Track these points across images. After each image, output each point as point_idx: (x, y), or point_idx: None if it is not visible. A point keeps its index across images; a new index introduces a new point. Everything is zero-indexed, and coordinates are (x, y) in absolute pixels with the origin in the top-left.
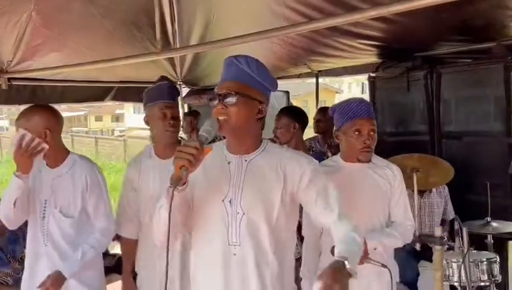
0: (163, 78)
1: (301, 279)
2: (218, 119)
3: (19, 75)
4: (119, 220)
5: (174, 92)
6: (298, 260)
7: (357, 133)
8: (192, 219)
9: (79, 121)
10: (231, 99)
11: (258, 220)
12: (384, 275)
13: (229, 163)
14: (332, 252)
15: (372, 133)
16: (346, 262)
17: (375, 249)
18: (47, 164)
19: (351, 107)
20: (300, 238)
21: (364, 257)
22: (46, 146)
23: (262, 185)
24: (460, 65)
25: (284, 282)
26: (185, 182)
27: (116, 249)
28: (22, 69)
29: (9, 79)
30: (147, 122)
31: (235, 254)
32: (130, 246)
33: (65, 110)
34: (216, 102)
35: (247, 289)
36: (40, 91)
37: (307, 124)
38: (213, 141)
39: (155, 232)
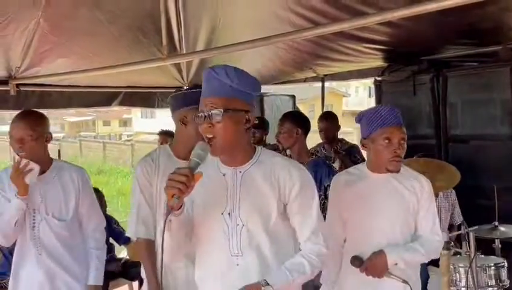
0: (191, 85)
1: (320, 285)
2: (207, 137)
3: (27, 81)
4: (133, 222)
5: (187, 98)
6: None
7: (387, 141)
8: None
9: (87, 125)
10: (217, 117)
11: (257, 230)
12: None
13: (224, 175)
14: (352, 263)
15: (402, 141)
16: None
17: (395, 264)
18: None
19: (380, 114)
20: None
21: (383, 271)
22: (37, 167)
23: (258, 196)
24: (466, 68)
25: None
26: (180, 207)
27: (122, 253)
28: (30, 75)
29: (17, 85)
30: (184, 122)
31: (237, 265)
32: (149, 246)
33: (73, 115)
34: (202, 120)
35: None
36: (47, 96)
37: (309, 129)
38: None
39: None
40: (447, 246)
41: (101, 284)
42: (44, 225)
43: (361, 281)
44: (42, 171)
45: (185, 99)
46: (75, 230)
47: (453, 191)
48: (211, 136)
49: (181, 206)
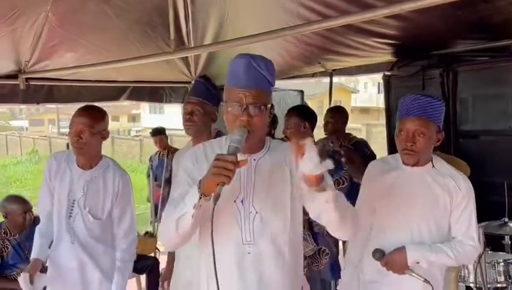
0: (203, 75)
1: (326, 278)
2: (242, 127)
3: (36, 75)
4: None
5: (201, 89)
6: (312, 257)
7: (402, 133)
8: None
9: None
10: (257, 111)
11: (270, 218)
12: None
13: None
14: (373, 255)
15: (417, 134)
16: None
17: (417, 262)
18: (79, 165)
19: (404, 104)
20: (312, 235)
21: (403, 268)
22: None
23: (272, 183)
24: (477, 63)
25: (297, 274)
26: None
27: None
28: (39, 69)
29: (27, 79)
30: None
31: (249, 253)
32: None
33: None
34: (237, 110)
35: (266, 286)
36: (56, 91)
37: (316, 123)
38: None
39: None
40: None
41: None
42: (79, 218)
43: (380, 270)
44: (90, 166)
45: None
46: (107, 230)
47: None
48: (248, 128)
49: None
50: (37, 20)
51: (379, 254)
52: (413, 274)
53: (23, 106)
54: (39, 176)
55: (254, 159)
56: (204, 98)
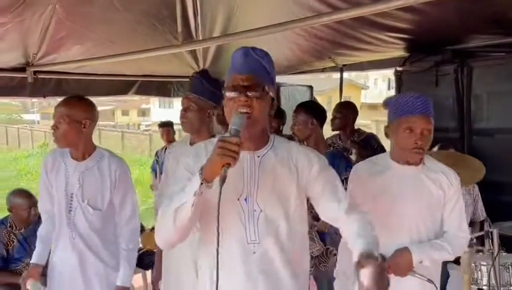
0: (200, 71)
1: (334, 279)
2: (241, 112)
3: (44, 68)
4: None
5: (196, 85)
6: (319, 257)
7: (408, 131)
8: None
9: (106, 115)
10: (256, 93)
11: (275, 216)
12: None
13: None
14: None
15: (426, 132)
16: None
17: (421, 262)
18: (72, 157)
19: (405, 101)
20: (319, 235)
21: (408, 270)
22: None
23: (277, 181)
24: (492, 59)
25: (303, 274)
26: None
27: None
28: (47, 62)
29: (35, 72)
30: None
31: (254, 253)
32: None
33: None
34: (235, 93)
35: (272, 285)
36: (64, 84)
37: (325, 120)
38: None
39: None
40: (469, 243)
41: (129, 286)
42: (79, 211)
43: None
44: (82, 158)
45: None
46: (109, 221)
47: (476, 185)
48: (245, 110)
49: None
50: (45, 12)
51: (380, 259)
52: (416, 275)
53: (32, 99)
54: None
55: (258, 156)
56: (199, 94)
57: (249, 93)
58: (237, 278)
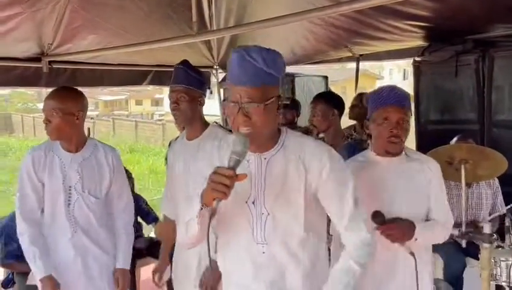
0: (181, 61)
1: None
2: (238, 128)
3: (59, 58)
4: (163, 199)
5: (183, 76)
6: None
7: (384, 120)
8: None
9: (120, 105)
10: (255, 110)
11: (283, 219)
12: (409, 263)
13: (248, 161)
14: (373, 218)
15: (401, 122)
16: None
17: (415, 239)
18: (65, 149)
19: (381, 94)
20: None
21: (405, 239)
22: None
23: (284, 183)
24: None
25: (318, 277)
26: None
27: (152, 233)
28: (62, 52)
29: (50, 62)
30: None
31: (264, 252)
32: (167, 227)
33: (107, 94)
34: (235, 109)
35: (283, 285)
36: (79, 74)
37: (343, 111)
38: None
39: (180, 235)
40: (489, 239)
41: (129, 267)
42: (81, 202)
43: (374, 273)
44: (76, 149)
45: None
46: (107, 208)
47: (496, 178)
48: (247, 130)
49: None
50: (59, 2)
51: (379, 219)
52: (403, 246)
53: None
54: None
55: (265, 158)
56: (187, 84)
57: (248, 111)
58: (247, 276)
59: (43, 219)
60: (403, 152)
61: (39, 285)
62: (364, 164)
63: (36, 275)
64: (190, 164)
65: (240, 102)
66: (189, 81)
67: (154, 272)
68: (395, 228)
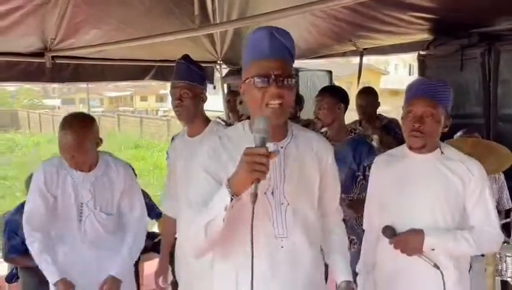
0: (183, 56)
1: (357, 274)
2: (268, 104)
3: (62, 54)
4: (164, 197)
5: (185, 71)
6: None
7: (409, 114)
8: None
9: (125, 101)
10: (289, 82)
11: (303, 208)
12: (435, 277)
13: None
14: (383, 232)
15: (427, 116)
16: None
17: (433, 249)
18: (79, 169)
19: (411, 87)
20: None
21: (415, 251)
22: None
23: (303, 171)
24: None
25: (323, 265)
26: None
27: (154, 228)
28: (64, 47)
29: (53, 57)
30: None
31: (282, 247)
32: (169, 224)
33: (112, 90)
34: (266, 83)
35: (302, 280)
36: (82, 69)
37: (348, 105)
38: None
39: (194, 242)
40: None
41: (122, 280)
42: (92, 218)
43: (396, 270)
44: (89, 168)
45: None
46: (119, 221)
47: (502, 173)
48: (278, 102)
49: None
50: None
51: (390, 232)
52: (422, 257)
53: (52, 85)
54: None
55: (281, 147)
56: (190, 80)
57: (282, 83)
58: (265, 273)
59: (55, 227)
60: (438, 149)
61: (54, 289)
62: (394, 158)
63: (50, 280)
64: (191, 162)
65: (273, 73)
66: (192, 77)
67: (157, 275)
68: (401, 240)
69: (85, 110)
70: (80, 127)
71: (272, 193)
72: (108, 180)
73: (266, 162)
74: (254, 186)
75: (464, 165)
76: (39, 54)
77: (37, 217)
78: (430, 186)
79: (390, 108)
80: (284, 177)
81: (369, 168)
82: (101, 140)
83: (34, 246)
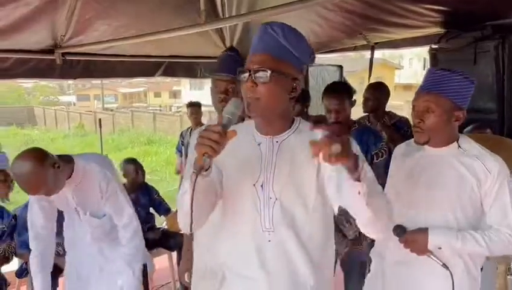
0: (230, 47)
1: (371, 261)
2: (249, 98)
3: (72, 50)
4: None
5: (232, 64)
6: (354, 240)
7: (413, 110)
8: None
9: (139, 97)
10: (263, 77)
11: (292, 205)
12: (443, 277)
13: (259, 144)
14: (394, 231)
15: (426, 111)
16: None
17: (439, 248)
18: None
19: (423, 79)
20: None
21: (422, 251)
22: None
23: (295, 167)
24: None
25: (322, 265)
26: (208, 168)
27: (162, 224)
28: (74, 44)
29: (63, 54)
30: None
31: (269, 241)
32: None
33: (126, 86)
34: (245, 77)
35: (289, 275)
36: (92, 66)
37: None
38: (243, 119)
39: (180, 217)
40: None
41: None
42: (88, 221)
43: (402, 258)
44: (68, 177)
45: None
46: (113, 222)
47: None
48: (251, 96)
49: (209, 167)
50: None
51: (400, 231)
52: (431, 256)
53: (68, 81)
54: (85, 149)
55: (276, 141)
56: (235, 73)
57: (256, 77)
58: (251, 266)
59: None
60: (455, 143)
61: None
62: (413, 148)
63: None
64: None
65: (250, 69)
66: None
67: (181, 272)
68: (410, 240)
69: (100, 107)
70: (27, 176)
71: (262, 185)
72: (87, 185)
73: (217, 139)
74: (203, 160)
75: (480, 161)
76: (49, 51)
77: (37, 222)
78: (442, 181)
79: (402, 103)
80: (274, 170)
81: (377, 156)
82: (57, 163)
83: (33, 262)
